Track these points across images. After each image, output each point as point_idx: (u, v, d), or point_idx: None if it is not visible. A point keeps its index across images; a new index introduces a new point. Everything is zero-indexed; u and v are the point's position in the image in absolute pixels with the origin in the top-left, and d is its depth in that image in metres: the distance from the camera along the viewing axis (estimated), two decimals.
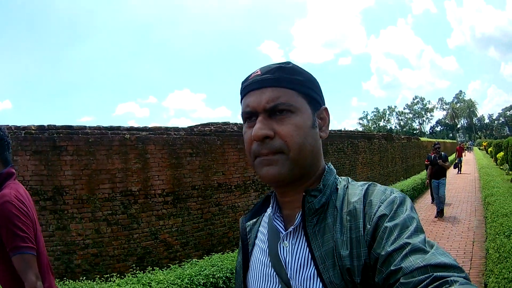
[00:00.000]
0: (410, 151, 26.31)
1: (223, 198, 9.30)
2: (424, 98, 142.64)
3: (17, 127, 6.81)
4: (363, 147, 16.64)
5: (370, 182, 1.09)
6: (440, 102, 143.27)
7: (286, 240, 1.08)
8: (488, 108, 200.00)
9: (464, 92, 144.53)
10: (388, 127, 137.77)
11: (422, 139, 37.26)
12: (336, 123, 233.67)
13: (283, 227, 1.10)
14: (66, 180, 6.90)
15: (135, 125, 7.90)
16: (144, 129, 8.08)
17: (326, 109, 1.15)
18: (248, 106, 1.06)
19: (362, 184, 1.09)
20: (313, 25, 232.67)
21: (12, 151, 6.09)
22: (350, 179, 1.15)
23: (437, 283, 0.74)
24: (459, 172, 26.17)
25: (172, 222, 8.19)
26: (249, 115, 1.07)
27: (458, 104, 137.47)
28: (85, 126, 7.48)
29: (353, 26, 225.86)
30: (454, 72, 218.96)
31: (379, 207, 0.96)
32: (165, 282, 5.19)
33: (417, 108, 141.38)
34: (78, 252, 6.84)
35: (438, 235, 9.58)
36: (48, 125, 7.04)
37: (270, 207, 1.19)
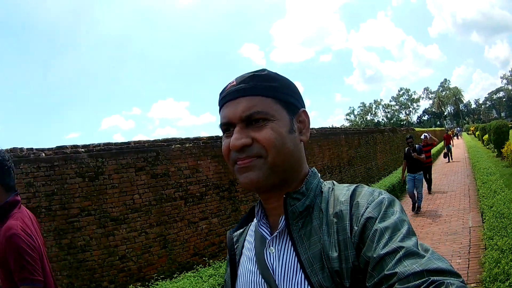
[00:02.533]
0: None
1: None
2: (409, 89, 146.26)
3: (209, 137, 9.90)
4: (379, 139, 21.69)
5: (357, 184, 1.10)
6: (425, 91, 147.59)
7: (272, 246, 1.09)
8: (474, 92, 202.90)
9: (448, 80, 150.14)
10: (376, 121, 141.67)
11: (417, 129, 42.95)
12: (321, 120, 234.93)
13: (268, 233, 1.12)
14: None
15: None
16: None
17: (305, 111, 1.16)
18: (225, 118, 1.09)
19: (348, 186, 1.10)
20: (292, 24, 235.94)
21: (195, 157, 9.73)
22: (335, 182, 1.17)
23: (433, 286, 0.75)
24: (449, 161, 26.39)
25: None
26: (226, 126, 1.10)
27: (444, 92, 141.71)
28: None
29: (333, 22, 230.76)
30: (437, 60, 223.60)
31: (366, 208, 0.97)
32: None
33: (403, 99, 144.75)
34: None
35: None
36: (216, 136, 10.29)
37: (256, 215, 1.20)
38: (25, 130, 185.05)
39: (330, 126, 22.64)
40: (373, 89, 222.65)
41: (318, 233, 1.02)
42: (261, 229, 1.14)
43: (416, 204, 11.86)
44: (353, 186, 1.09)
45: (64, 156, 7.42)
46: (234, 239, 1.28)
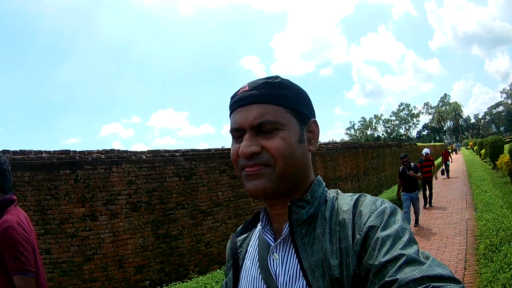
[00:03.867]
0: (411, 154, 34.04)
1: None
2: (409, 104, 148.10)
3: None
4: (387, 153, 24.65)
5: (361, 193, 1.12)
6: (425, 106, 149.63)
7: (276, 253, 1.10)
8: (474, 107, 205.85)
9: (449, 95, 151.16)
10: (376, 135, 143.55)
11: (418, 144, 46.58)
12: (320, 134, 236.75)
13: (272, 240, 1.13)
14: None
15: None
16: None
17: (315, 122, 1.19)
18: (236, 123, 1.09)
19: (351, 195, 1.12)
20: (293, 37, 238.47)
21: None
22: (339, 191, 1.19)
23: None
24: (447, 177, 26.16)
25: None
26: (237, 132, 1.10)
27: (444, 107, 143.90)
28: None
29: (334, 35, 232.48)
30: (437, 74, 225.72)
31: (369, 217, 0.99)
32: None
33: (403, 114, 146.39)
34: None
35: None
36: None
37: (260, 221, 1.21)
38: (25, 134, 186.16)
39: (330, 140, 25.07)
40: (373, 103, 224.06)
41: (321, 240, 1.03)
42: (266, 235, 1.15)
43: (414, 218, 11.99)
44: (356, 195, 1.11)
45: (164, 158, 9.51)
46: (238, 244, 1.28)
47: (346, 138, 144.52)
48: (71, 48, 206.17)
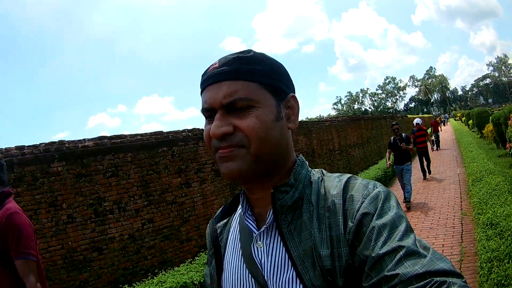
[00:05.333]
0: (403, 126, 35.54)
1: None
2: (395, 78, 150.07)
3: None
4: (383, 124, 27.39)
5: (350, 175, 1.07)
6: (411, 79, 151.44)
7: (260, 241, 1.06)
8: (461, 79, 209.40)
9: (434, 68, 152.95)
10: (363, 109, 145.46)
11: (409, 116, 48.99)
12: (306, 110, 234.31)
13: (255, 227, 1.08)
14: None
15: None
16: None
17: (294, 97, 1.12)
18: (206, 103, 1.04)
19: (338, 176, 1.08)
20: (273, 16, 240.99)
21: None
22: (324, 171, 1.14)
23: (435, 286, 0.76)
24: (437, 149, 25.80)
25: None
26: (208, 112, 1.05)
27: (430, 80, 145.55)
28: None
29: (314, 13, 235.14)
30: (422, 48, 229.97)
31: (362, 203, 0.94)
32: None
33: (389, 88, 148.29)
34: None
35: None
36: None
37: (240, 206, 1.16)
38: (13, 133, 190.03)
39: (318, 116, 27.42)
40: (357, 78, 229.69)
41: (309, 228, 0.99)
42: (247, 221, 1.10)
43: (405, 197, 11.08)
44: (345, 177, 1.06)
45: None
46: (218, 231, 1.23)
47: (334, 112, 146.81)
48: (56, 44, 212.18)
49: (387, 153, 11.95)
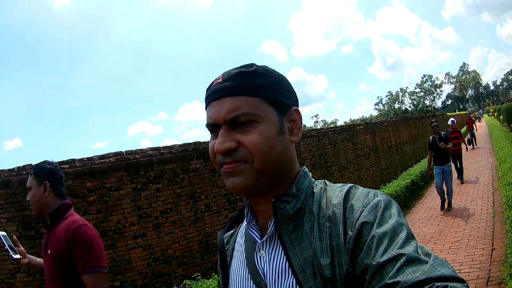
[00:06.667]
0: (442, 124, 35.74)
1: None
2: (431, 76, 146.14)
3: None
4: (427, 123, 28.75)
5: (351, 184, 1.07)
6: (447, 76, 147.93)
7: (263, 250, 1.08)
8: (491, 73, 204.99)
9: (467, 64, 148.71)
10: (403, 108, 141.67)
11: (448, 113, 49.73)
12: (347, 111, 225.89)
13: (259, 236, 1.10)
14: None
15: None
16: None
17: (296, 110, 1.13)
18: (210, 118, 1.05)
19: (341, 186, 1.08)
20: (309, 18, 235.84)
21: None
22: (327, 182, 1.15)
23: None
24: (473, 148, 24.99)
25: None
26: (212, 127, 1.06)
27: (464, 76, 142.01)
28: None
29: (349, 12, 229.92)
30: (453, 43, 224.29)
31: (361, 212, 0.95)
32: None
33: (426, 86, 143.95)
34: None
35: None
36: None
37: (245, 217, 1.18)
38: (49, 145, 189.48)
39: (360, 117, 28.88)
40: (395, 76, 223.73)
41: (310, 237, 1.00)
42: (251, 231, 1.12)
43: (447, 200, 10.65)
44: (347, 186, 1.06)
45: (322, 133, 13.64)
46: (225, 241, 1.26)
47: (375, 113, 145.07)
48: (89, 50, 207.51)
49: (429, 155, 11.27)
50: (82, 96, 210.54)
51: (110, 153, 7.50)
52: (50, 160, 2.95)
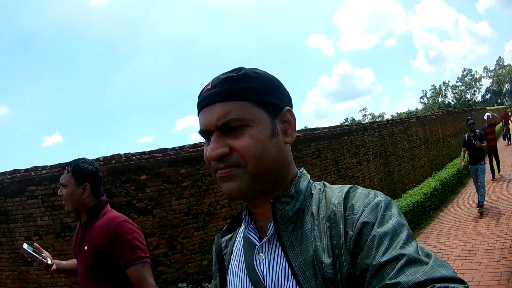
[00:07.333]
0: (479, 119, 36.75)
1: None
2: (471, 69, 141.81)
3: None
4: (463, 118, 29.09)
5: (351, 185, 1.06)
6: (485, 70, 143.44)
7: (262, 252, 1.06)
8: None
9: (503, 58, 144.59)
10: (446, 102, 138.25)
11: (488, 108, 48.09)
12: (394, 105, 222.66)
13: (257, 239, 1.09)
14: None
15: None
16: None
17: (289, 110, 1.11)
18: (202, 125, 1.05)
19: (340, 187, 1.07)
20: (353, 11, 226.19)
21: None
22: (326, 183, 1.14)
23: None
24: (509, 143, 24.69)
25: None
26: (205, 134, 1.05)
27: (501, 70, 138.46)
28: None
29: (391, 6, 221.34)
30: (489, 36, 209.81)
31: (362, 212, 0.94)
32: None
33: (467, 79, 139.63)
34: None
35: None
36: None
37: (243, 220, 1.17)
38: (94, 142, 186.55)
39: (406, 111, 29.21)
40: (438, 70, 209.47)
41: (310, 238, 0.98)
42: (249, 234, 1.11)
43: (478, 201, 10.11)
44: (347, 187, 1.05)
45: (382, 125, 14.51)
46: (223, 245, 1.24)
47: (420, 106, 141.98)
48: (131, 48, 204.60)
49: (462, 152, 11.03)
50: (124, 91, 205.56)
51: (202, 142, 9.05)
52: (89, 160, 2.95)
